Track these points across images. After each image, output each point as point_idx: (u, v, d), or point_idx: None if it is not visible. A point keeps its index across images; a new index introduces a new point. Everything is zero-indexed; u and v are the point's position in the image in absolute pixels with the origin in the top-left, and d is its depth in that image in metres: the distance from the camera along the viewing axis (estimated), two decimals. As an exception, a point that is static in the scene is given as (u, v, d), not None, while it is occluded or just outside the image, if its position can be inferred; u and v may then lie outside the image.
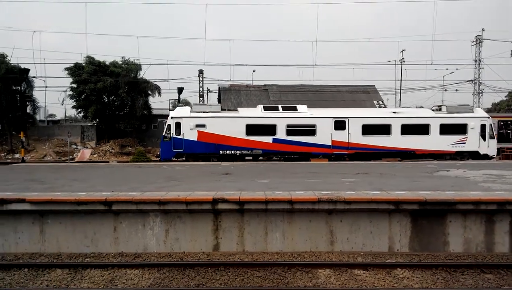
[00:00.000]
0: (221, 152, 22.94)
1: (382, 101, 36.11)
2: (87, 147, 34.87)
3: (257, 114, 23.57)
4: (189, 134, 22.84)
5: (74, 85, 34.67)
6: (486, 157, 23.22)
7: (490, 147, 23.37)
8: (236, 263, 7.10)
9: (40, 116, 44.95)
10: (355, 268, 7.02)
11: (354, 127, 23.07)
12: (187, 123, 22.85)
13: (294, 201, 7.77)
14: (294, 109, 23.75)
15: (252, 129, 22.92)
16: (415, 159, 22.54)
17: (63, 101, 35.45)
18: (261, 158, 23.00)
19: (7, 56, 33.97)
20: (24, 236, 8.14)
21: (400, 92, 40.57)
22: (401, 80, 40.52)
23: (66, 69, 34.28)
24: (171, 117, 23.10)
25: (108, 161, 28.41)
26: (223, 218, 8.07)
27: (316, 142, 22.94)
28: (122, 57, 36.44)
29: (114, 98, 35.56)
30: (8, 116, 32.60)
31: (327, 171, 13.49)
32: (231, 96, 37.38)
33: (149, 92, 37.38)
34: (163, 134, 23.14)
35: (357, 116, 23.36)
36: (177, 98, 35.39)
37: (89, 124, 38.84)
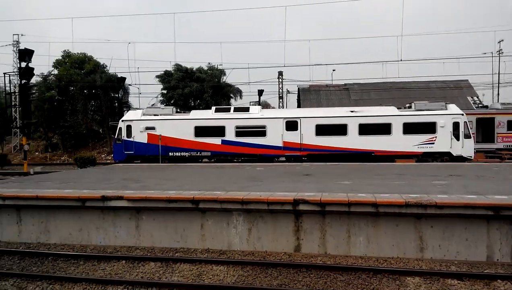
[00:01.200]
0: (170, 154, 23.12)
1: (477, 97, 33.07)
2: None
3: (207, 116, 23.33)
4: (140, 136, 23.30)
5: (164, 91, 37.23)
6: (460, 158, 20.66)
7: (465, 147, 20.74)
8: (319, 266, 7.02)
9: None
10: (448, 277, 6.51)
11: (306, 127, 21.93)
12: (138, 126, 23.39)
13: (379, 204, 7.45)
14: (246, 110, 23.18)
15: (201, 131, 22.83)
16: (375, 161, 20.48)
17: (152, 105, 38.12)
18: (213, 160, 22.67)
19: (106, 66, 37.69)
20: (122, 230, 8.91)
21: (498, 86, 36.80)
22: (498, 73, 36.75)
23: (157, 76, 36.95)
24: (122, 120, 23.80)
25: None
26: (304, 219, 8.03)
27: (266, 143, 22.20)
28: (209, 63, 38.23)
29: (200, 102, 37.40)
30: (108, 121, 36.11)
31: (413, 173, 12.73)
32: (311, 97, 37.11)
33: (231, 95, 38.72)
34: (115, 137, 23.81)
35: (310, 116, 22.30)
36: (258, 100, 36.10)
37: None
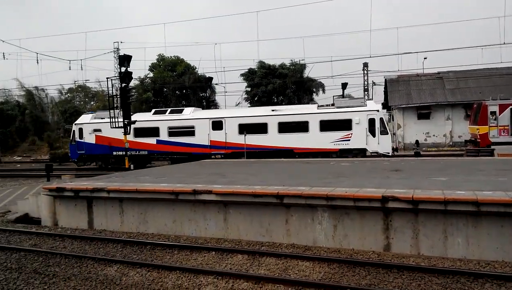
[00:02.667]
0: (114, 153, 24.94)
1: None
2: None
3: (145, 118, 25.24)
4: (89, 138, 25.79)
5: (248, 89, 38.14)
6: (377, 155, 20.60)
7: (381, 144, 20.61)
8: (411, 267, 6.60)
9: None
10: None
11: (230, 127, 22.85)
12: (87, 128, 25.89)
13: (481, 202, 6.76)
14: (179, 112, 24.70)
15: (139, 132, 24.68)
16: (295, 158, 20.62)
17: (238, 104, 39.46)
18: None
19: (196, 67, 39.75)
20: (212, 223, 9.33)
21: None
22: None
23: (242, 74, 37.99)
24: (75, 124, 26.48)
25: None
26: (394, 217, 7.62)
27: (195, 142, 23.39)
28: (291, 60, 38.29)
29: (282, 98, 37.62)
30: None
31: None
32: (399, 88, 35.12)
33: (314, 90, 38.28)
34: (71, 138, 25.94)
35: (233, 116, 23.22)
36: (341, 93, 35.15)
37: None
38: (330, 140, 21.32)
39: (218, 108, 42.60)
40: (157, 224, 9.94)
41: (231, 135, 23.06)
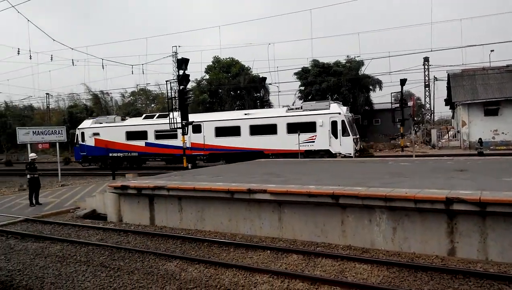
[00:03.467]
0: (110, 154, 27.65)
1: None
2: (314, 144, 37.40)
3: (136, 122, 28.06)
4: (89, 141, 29.05)
5: (302, 88, 37.88)
6: (338, 156, 21.69)
7: (343, 145, 21.78)
8: (479, 273, 6.18)
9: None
10: None
11: (208, 130, 24.85)
12: (88, 132, 29.22)
13: (560, 205, 6.17)
14: (165, 116, 25.61)
15: (131, 135, 27.54)
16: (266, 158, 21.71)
17: (293, 103, 39.44)
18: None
19: (250, 68, 40.22)
20: (266, 222, 9.38)
21: None
22: None
23: (295, 73, 37.85)
24: (78, 128, 30.18)
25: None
26: (460, 220, 7.17)
27: (178, 144, 24.34)
28: (347, 56, 37.49)
29: (337, 96, 36.93)
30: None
31: None
32: (464, 83, 33.07)
33: (370, 87, 37.16)
34: (75, 141, 29.61)
35: (211, 119, 25.13)
36: (400, 90, 33.77)
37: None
38: (296, 142, 22.34)
39: (271, 108, 42.80)
40: (213, 222, 10.18)
41: (208, 137, 25.06)
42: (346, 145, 22.02)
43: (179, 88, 22.03)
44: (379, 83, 37.29)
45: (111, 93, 56.27)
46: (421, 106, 51.60)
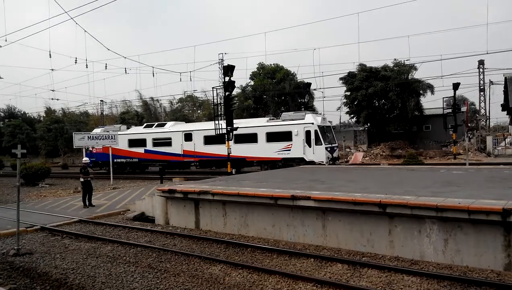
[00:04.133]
0: (115, 160, 29.29)
1: None
2: (359, 150, 36.64)
3: (137, 131, 31.08)
4: (98, 148, 30.68)
5: (348, 93, 37.18)
6: (312, 164, 22.50)
7: (316, 153, 22.90)
8: (541, 292, 5.73)
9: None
10: None
11: (198, 138, 26.76)
12: None
13: None
14: (162, 125, 29.95)
15: (132, 143, 30.26)
16: (249, 166, 23.61)
17: (339, 108, 38.99)
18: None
19: (295, 74, 40.17)
20: (310, 229, 9.26)
21: None
22: None
23: (341, 78, 37.24)
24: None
25: (379, 164, 28.86)
26: (519, 233, 6.69)
27: (172, 151, 27.62)
28: (395, 59, 36.41)
29: (384, 101, 35.91)
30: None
31: None
32: (523, 86, 30.92)
33: (421, 91, 35.75)
34: (84, 149, 30.30)
35: (200, 128, 26.86)
36: (453, 95, 32.23)
37: (361, 129, 40.75)
38: (274, 150, 24.25)
39: (316, 113, 42.37)
40: (257, 228, 10.21)
41: (198, 145, 26.76)
42: (319, 153, 23.33)
43: (225, 94, 22.40)
44: (430, 87, 35.73)
45: (160, 99, 58.35)
46: (475, 111, 48.92)
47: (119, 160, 30.89)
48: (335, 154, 24.57)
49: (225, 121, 22.50)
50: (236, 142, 24.82)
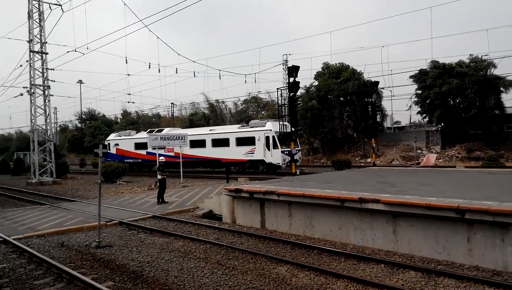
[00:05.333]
0: (125, 160, 34.33)
1: None
2: (432, 152, 34.62)
3: (141, 136, 34.91)
4: (113, 149, 37.56)
5: (419, 91, 35.31)
6: (271, 165, 26.75)
7: (273, 156, 26.52)
8: None
9: (387, 123, 48.69)
10: None
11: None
12: (112, 143, 38.13)
13: None
14: (161, 131, 32.84)
15: (137, 146, 34.98)
16: (223, 167, 25.66)
17: (410, 108, 37.23)
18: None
19: (362, 73, 39.02)
20: (379, 233, 8.94)
21: None
22: None
23: (411, 76, 35.45)
24: (106, 140, 39.39)
25: (454, 166, 27.07)
26: None
27: (167, 154, 29.70)
28: (470, 55, 33.93)
29: (460, 100, 33.58)
30: (361, 125, 37.27)
31: None
32: None
33: (502, 89, 32.86)
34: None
35: (190, 133, 29.01)
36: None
37: (433, 129, 38.50)
38: (242, 153, 28.03)
39: (384, 113, 40.80)
40: (322, 230, 10.08)
41: (185, 148, 28.14)
42: (276, 156, 26.71)
43: (289, 95, 22.43)
44: (512, 84, 32.77)
45: (226, 101, 59.90)
46: None
47: (128, 161, 35.37)
48: (296, 157, 26.44)
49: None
50: (213, 145, 29.68)
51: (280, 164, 26.39)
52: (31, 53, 28.53)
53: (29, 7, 28.29)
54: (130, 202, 16.71)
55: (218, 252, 8.87)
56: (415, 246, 8.30)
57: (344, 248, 8.92)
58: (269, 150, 27.01)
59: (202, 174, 30.05)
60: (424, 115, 36.97)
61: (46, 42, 29.29)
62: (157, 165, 17.10)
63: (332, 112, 39.13)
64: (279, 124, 27.01)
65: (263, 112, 60.85)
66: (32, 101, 28.92)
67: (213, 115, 57.14)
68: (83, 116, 71.98)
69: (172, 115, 64.50)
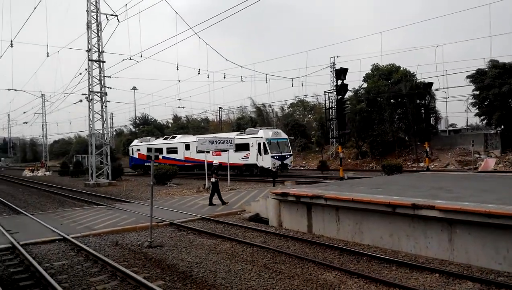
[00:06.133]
0: (145, 164, 38.54)
1: None
2: (491, 156, 32.53)
3: (158, 142, 40.60)
4: (135, 154, 42.76)
5: (476, 92, 33.43)
6: (262, 169, 29.57)
7: (264, 161, 29.23)
8: None
9: (441, 126, 46.45)
10: None
11: (193, 148, 33.51)
12: (134, 148, 43.28)
13: None
14: (174, 138, 40.43)
15: (150, 151, 30.82)
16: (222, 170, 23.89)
17: (467, 109, 35.47)
18: None
19: (414, 74, 37.56)
20: (433, 241, 8.52)
21: None
22: None
23: (468, 77, 33.64)
24: (129, 146, 45.72)
25: (517, 172, 25.25)
26: None
27: (177, 157, 36.74)
28: (532, 52, 31.59)
29: (522, 101, 31.36)
30: (413, 128, 35.79)
31: None
32: None
33: None
34: (129, 154, 44.95)
35: (183, 141, 37.11)
36: None
37: (492, 132, 36.22)
38: (239, 157, 30.64)
39: (438, 116, 38.94)
40: (372, 236, 9.78)
41: (192, 152, 34.41)
42: (266, 160, 29.15)
43: (337, 98, 22.07)
44: None
45: (272, 105, 60.03)
46: None
47: (146, 164, 38.63)
48: (286, 161, 29.97)
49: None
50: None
51: (270, 168, 28.29)
52: (90, 62, 30.31)
53: (88, 18, 30.09)
54: (180, 203, 17.20)
55: (264, 256, 8.87)
56: (472, 256, 7.82)
57: (396, 255, 8.60)
58: (260, 155, 29.93)
59: (249, 177, 30.31)
60: (482, 117, 34.92)
61: (103, 51, 30.98)
62: (212, 168, 17.42)
63: (382, 115, 37.94)
64: (271, 132, 30.74)
65: (309, 116, 60.30)
66: (90, 107, 30.66)
67: (260, 119, 57.43)
68: (137, 121, 75.25)
69: (220, 119, 65.74)
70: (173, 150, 37.87)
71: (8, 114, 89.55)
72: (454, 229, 8.13)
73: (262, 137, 30.02)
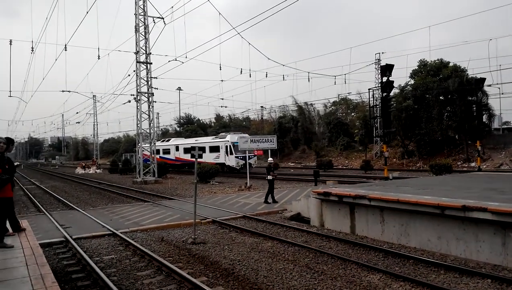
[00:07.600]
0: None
1: None
2: (552, 156, 30.33)
3: (168, 143, 47.63)
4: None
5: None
6: (229, 167, 36.00)
7: (230, 160, 35.97)
8: None
9: (494, 124, 43.87)
10: None
11: (181, 149, 43.07)
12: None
13: None
14: (168, 140, 49.07)
15: (163, 151, 46.18)
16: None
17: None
18: None
19: (466, 69, 35.72)
20: (485, 245, 8.08)
21: None
22: None
23: (524, 71, 31.53)
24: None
25: None
26: None
27: (170, 157, 44.44)
28: None
29: None
30: (464, 126, 34.07)
31: None
32: None
33: None
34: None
35: (183, 143, 44.10)
36: None
37: (553, 130, 33.71)
38: (212, 158, 36.68)
39: (491, 113, 36.81)
40: (419, 238, 9.43)
41: (172, 153, 44.36)
42: (231, 160, 35.69)
43: (382, 95, 21.46)
44: None
45: (314, 103, 59.50)
46: None
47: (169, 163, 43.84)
48: (251, 161, 32.40)
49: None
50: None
51: (235, 166, 35.49)
52: (138, 63, 31.48)
53: (136, 21, 31.25)
54: (222, 201, 17.47)
55: (306, 255, 8.82)
56: (530, 262, 7.34)
57: (444, 259, 8.24)
58: (227, 155, 36.14)
59: (291, 177, 30.22)
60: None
61: (151, 53, 32.07)
62: (267, 166, 17.46)
63: (430, 113, 36.46)
64: (237, 136, 34.96)
65: (352, 114, 59.12)
66: (138, 107, 31.85)
67: (301, 117, 57.07)
68: (181, 121, 77.29)
69: (262, 118, 65.97)
70: (167, 151, 46.04)
71: (62, 115, 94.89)
72: (508, 232, 7.66)
73: (228, 141, 36.25)
